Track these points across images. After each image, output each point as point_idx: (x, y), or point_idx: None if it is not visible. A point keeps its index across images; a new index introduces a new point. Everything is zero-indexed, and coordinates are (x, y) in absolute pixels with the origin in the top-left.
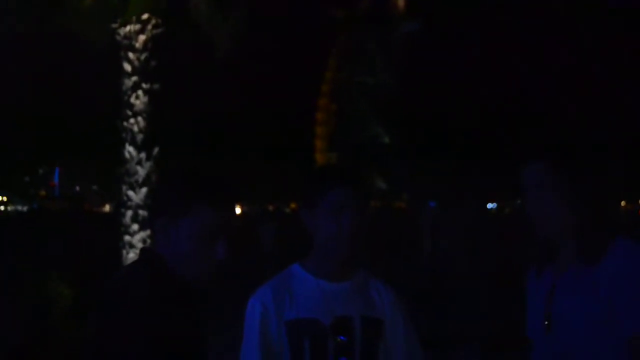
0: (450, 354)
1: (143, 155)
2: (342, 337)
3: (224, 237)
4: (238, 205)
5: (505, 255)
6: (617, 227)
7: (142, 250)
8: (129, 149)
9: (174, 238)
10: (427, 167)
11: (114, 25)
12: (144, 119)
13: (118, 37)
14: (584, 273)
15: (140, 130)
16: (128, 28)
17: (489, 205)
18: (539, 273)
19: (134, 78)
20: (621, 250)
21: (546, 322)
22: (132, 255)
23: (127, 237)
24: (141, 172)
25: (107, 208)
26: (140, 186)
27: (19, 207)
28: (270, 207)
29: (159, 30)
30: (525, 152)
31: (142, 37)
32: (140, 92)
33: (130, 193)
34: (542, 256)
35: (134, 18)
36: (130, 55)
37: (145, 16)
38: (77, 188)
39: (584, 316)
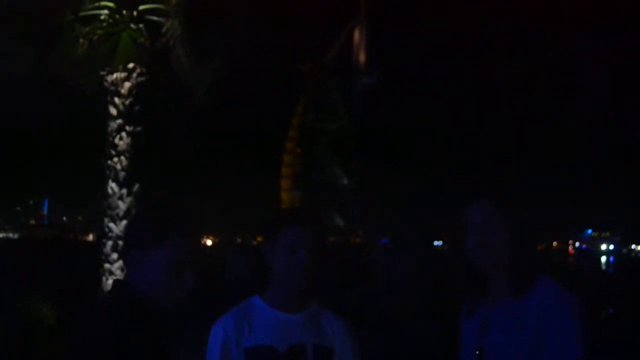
0: None
1: (124, 191)
2: None
3: (191, 265)
4: (209, 237)
5: (449, 289)
6: (541, 266)
7: (115, 282)
8: (112, 185)
9: (147, 269)
10: (381, 207)
11: (102, 73)
12: (127, 158)
13: (105, 83)
14: (512, 308)
15: (122, 168)
16: (115, 75)
17: (435, 243)
18: (472, 308)
19: (119, 121)
20: (544, 287)
21: (477, 352)
22: (110, 282)
23: (107, 265)
24: (122, 206)
25: (90, 237)
26: (121, 219)
27: (10, 235)
28: (239, 239)
29: (143, 78)
30: (470, 193)
31: (127, 84)
32: (124, 134)
33: (112, 225)
34: (475, 289)
35: (120, 67)
36: (116, 100)
37: (131, 65)
38: (64, 218)
39: (512, 348)
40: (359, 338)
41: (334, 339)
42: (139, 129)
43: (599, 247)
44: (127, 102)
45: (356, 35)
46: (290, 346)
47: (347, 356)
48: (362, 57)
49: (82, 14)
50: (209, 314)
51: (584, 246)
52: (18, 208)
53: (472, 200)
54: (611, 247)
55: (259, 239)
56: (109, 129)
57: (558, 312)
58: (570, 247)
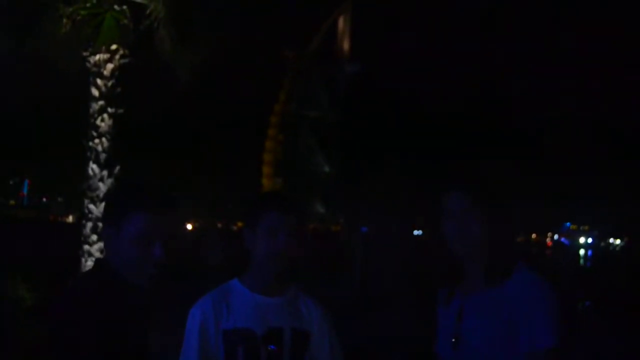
0: None
1: (105, 172)
2: (272, 347)
3: (159, 240)
4: (190, 222)
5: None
6: (518, 255)
7: (95, 260)
8: (93, 167)
9: (117, 244)
10: (362, 195)
11: (85, 54)
12: (108, 139)
13: (88, 65)
14: (488, 296)
15: (103, 150)
16: (98, 57)
17: (415, 232)
18: (449, 295)
19: (101, 102)
20: (521, 276)
21: (453, 340)
22: (90, 263)
23: (86, 247)
24: (102, 187)
25: (70, 219)
26: (101, 201)
27: None
28: (219, 225)
29: (125, 60)
30: (448, 182)
31: (110, 66)
32: (105, 116)
33: (92, 206)
34: (452, 277)
35: (103, 48)
36: (99, 81)
37: (114, 47)
38: (44, 199)
39: (488, 335)
40: (337, 323)
41: (311, 323)
42: (120, 111)
43: (578, 240)
44: (109, 84)
45: (340, 23)
46: (269, 329)
47: (324, 340)
48: (345, 45)
49: None
50: (189, 297)
51: (562, 239)
52: None
53: (450, 187)
54: (589, 240)
55: (239, 224)
56: (91, 111)
57: (533, 300)
58: (548, 240)
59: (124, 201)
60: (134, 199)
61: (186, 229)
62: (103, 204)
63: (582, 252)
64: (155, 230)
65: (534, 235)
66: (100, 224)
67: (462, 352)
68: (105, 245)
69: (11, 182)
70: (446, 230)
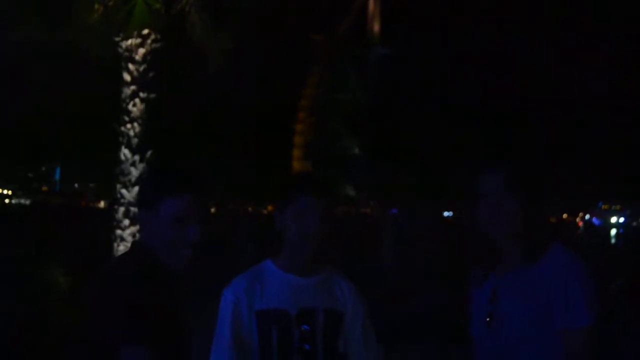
0: (410, 346)
1: (137, 157)
2: (305, 327)
3: (195, 221)
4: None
5: (459, 258)
6: (553, 234)
7: (132, 243)
8: (125, 152)
9: (154, 227)
10: (393, 177)
11: (117, 39)
12: (140, 124)
13: (120, 50)
14: (524, 274)
15: (135, 135)
16: (129, 42)
17: (445, 214)
18: (483, 276)
19: (133, 87)
20: (556, 254)
21: (488, 319)
22: (122, 248)
23: (118, 231)
24: (134, 172)
25: (102, 204)
26: (133, 185)
27: (22, 201)
28: (250, 208)
29: (157, 45)
30: (483, 162)
31: (141, 50)
32: (137, 100)
33: (124, 191)
34: (486, 258)
35: (135, 33)
36: (130, 66)
37: (145, 31)
38: (76, 185)
39: (523, 313)
40: (369, 305)
41: (345, 304)
42: (152, 95)
43: (609, 220)
44: (141, 69)
45: (371, 4)
46: (301, 310)
47: (357, 321)
48: (376, 28)
49: None
50: (222, 278)
51: (593, 219)
52: (30, 175)
53: (484, 169)
54: (621, 220)
55: (269, 207)
56: (123, 96)
57: (568, 278)
58: (579, 220)
59: (161, 184)
60: (168, 181)
61: (217, 211)
62: (135, 188)
63: (613, 231)
64: (190, 211)
65: (565, 216)
66: (132, 209)
67: (496, 330)
68: (141, 228)
69: (43, 169)
70: (481, 212)
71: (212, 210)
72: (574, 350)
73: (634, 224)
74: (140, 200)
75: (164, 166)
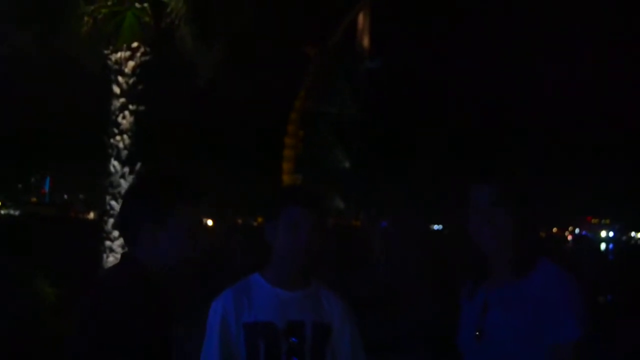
0: (400, 357)
1: (126, 169)
2: (293, 339)
3: (197, 235)
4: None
5: (448, 269)
6: (542, 249)
7: (122, 254)
8: (114, 164)
9: (161, 239)
10: (382, 190)
11: (107, 51)
12: (129, 137)
13: (109, 62)
14: (513, 289)
15: (125, 147)
16: (119, 54)
17: (435, 227)
18: (473, 289)
19: (122, 99)
20: (545, 270)
21: (477, 333)
22: (111, 259)
23: (107, 243)
24: (124, 184)
25: (91, 215)
26: (122, 197)
27: (11, 212)
28: (239, 221)
29: (147, 58)
30: (475, 176)
31: (131, 63)
32: (127, 113)
33: (113, 203)
34: (478, 271)
35: (125, 46)
36: (120, 79)
37: (135, 44)
38: (65, 196)
39: (512, 327)
40: (358, 317)
41: (332, 317)
42: (142, 107)
43: (599, 234)
44: (130, 81)
45: (360, 19)
46: (290, 323)
47: (345, 334)
48: (365, 42)
49: None
50: (211, 290)
51: (583, 232)
52: (20, 185)
53: (476, 182)
54: (611, 234)
55: (259, 219)
56: (112, 108)
57: (558, 293)
58: (568, 234)
59: (170, 195)
60: (181, 192)
61: (207, 224)
62: None
63: (603, 246)
64: (198, 225)
65: (554, 229)
66: None
67: (486, 345)
68: (141, 240)
69: (32, 180)
70: (473, 225)
71: (210, 222)
72: None
73: (624, 237)
74: (144, 213)
75: (169, 176)
